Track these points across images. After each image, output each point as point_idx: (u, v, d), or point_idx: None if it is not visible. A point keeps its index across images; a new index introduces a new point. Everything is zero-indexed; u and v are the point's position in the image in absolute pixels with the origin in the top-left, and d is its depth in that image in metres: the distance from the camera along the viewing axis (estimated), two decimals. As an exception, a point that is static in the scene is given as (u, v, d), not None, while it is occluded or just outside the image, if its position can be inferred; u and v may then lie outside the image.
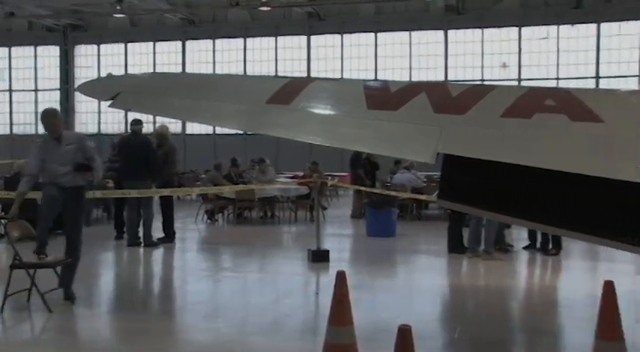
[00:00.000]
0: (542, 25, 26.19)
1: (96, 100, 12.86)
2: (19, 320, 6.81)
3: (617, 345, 4.34)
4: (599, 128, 4.02)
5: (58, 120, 7.31)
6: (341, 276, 4.61)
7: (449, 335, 6.41)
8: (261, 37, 29.01)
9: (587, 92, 4.96)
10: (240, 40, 29.26)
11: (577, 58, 26.14)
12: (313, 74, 27.71)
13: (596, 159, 3.89)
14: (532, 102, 4.30)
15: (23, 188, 7.06)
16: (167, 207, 12.13)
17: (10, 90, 31.81)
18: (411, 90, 4.69)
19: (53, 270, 7.10)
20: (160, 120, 15.08)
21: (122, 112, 26.23)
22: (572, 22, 25.81)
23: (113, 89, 5.50)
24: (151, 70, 28.34)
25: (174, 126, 23.31)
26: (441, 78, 26.74)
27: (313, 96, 4.81)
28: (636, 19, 25.22)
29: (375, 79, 22.51)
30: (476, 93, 4.60)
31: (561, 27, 26.06)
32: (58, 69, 31.41)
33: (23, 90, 31.73)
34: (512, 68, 26.82)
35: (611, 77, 25.60)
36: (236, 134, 26.24)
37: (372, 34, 27.91)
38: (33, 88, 31.59)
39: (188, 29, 29.48)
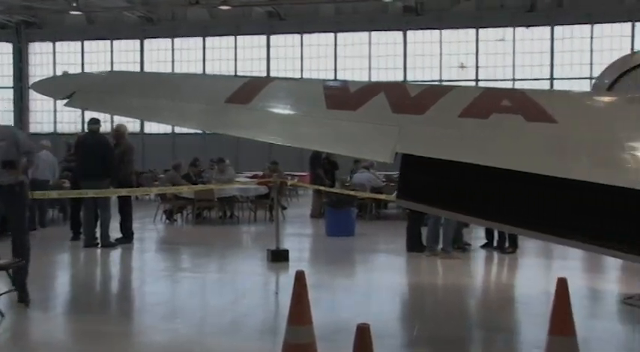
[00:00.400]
0: (499, 27, 26.63)
1: (51, 99, 12.63)
2: (-28, 324, 6.65)
3: (569, 340, 4.44)
4: (553, 128, 4.11)
5: None
6: (300, 276, 4.61)
7: (408, 334, 6.47)
8: (221, 36, 28.85)
9: (541, 93, 5.05)
10: (200, 39, 29.05)
11: (532, 59, 26.65)
12: (273, 74, 27.69)
13: (550, 158, 3.97)
14: (489, 103, 4.36)
15: None
16: (125, 207, 11.98)
17: (-38, 88, 31.10)
18: (370, 90, 4.72)
19: (6, 273, 6.94)
20: (117, 119, 14.89)
21: (79, 111, 25.79)
22: (527, 25, 26.31)
23: (69, 88, 5.39)
24: (109, 69, 27.97)
25: (132, 125, 23.07)
26: (400, 78, 26.97)
27: (272, 95, 4.80)
28: (587, 23, 25.84)
29: (335, 79, 22.57)
30: (434, 93, 4.65)
31: (517, 29, 26.54)
32: (11, 66, 30.76)
33: (-24, 88, 31.06)
34: (470, 69, 27.20)
35: (564, 79, 26.15)
36: (195, 134, 26.05)
37: (332, 34, 28.00)
38: (-14, 85, 30.94)
39: (146, 27, 29.14)
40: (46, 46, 30.59)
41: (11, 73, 30.76)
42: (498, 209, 4.20)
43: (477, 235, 11.82)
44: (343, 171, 17.54)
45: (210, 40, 29.07)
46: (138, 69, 29.13)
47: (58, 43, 30.36)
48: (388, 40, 27.72)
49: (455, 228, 10.54)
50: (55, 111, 29.88)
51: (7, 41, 30.50)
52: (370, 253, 11.42)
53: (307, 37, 28.25)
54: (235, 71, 28.24)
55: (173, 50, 29.37)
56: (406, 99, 4.53)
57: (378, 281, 9.12)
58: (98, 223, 11.46)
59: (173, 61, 29.31)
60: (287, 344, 4.57)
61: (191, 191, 14.32)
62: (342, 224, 12.85)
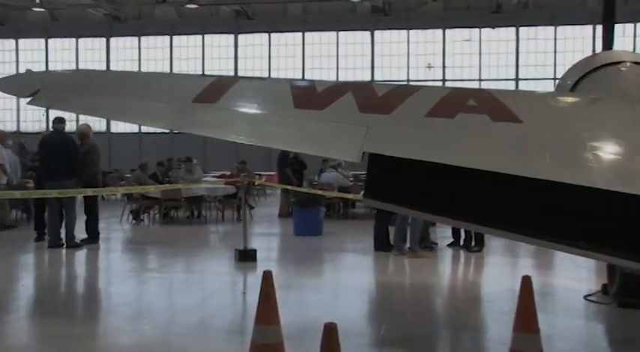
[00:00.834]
0: (465, 27, 26.91)
1: (14, 97, 12.42)
2: None
3: (533, 337, 4.51)
4: (519, 128, 4.17)
5: None
6: (268, 276, 4.60)
7: (375, 333, 6.49)
8: (188, 35, 28.69)
9: (506, 93, 5.11)
10: (167, 38, 28.83)
11: (498, 60, 27.00)
12: (241, 73, 27.62)
13: (515, 158, 4.02)
14: (455, 103, 4.41)
15: None
16: (91, 207, 11.83)
17: None
18: (337, 89, 4.74)
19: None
20: (83, 118, 14.70)
21: (43, 110, 25.37)
22: (493, 26, 26.65)
23: (33, 86, 5.32)
24: (74, 67, 27.60)
25: (98, 124, 22.79)
26: (368, 78, 27.10)
27: (240, 95, 4.79)
28: (551, 25, 26.26)
29: (302, 79, 22.58)
30: (401, 93, 4.68)
31: (483, 30, 26.84)
32: (-27, 64, 30.21)
33: None
34: (437, 69, 27.44)
35: (529, 79, 26.54)
36: (162, 133, 25.85)
37: (300, 34, 28.02)
38: (-54, 83, 30.23)
39: (113, 26, 28.82)
40: (8, 44, 30.06)
41: (-27, 70, 30.19)
42: (465, 208, 4.24)
43: (443, 234, 11.92)
44: (312, 171, 17.56)
45: (178, 39, 28.89)
46: (104, 67, 28.82)
47: (20, 41, 29.85)
48: (356, 40, 27.84)
49: (422, 227, 10.61)
50: (18, 109, 29.38)
51: (-32, 38, 29.96)
52: (338, 252, 11.44)
53: (275, 37, 28.23)
54: (203, 70, 28.11)
55: (140, 49, 29.11)
56: (373, 98, 4.56)
57: (346, 280, 9.14)
58: (63, 223, 11.31)
59: (140, 60, 29.04)
60: (255, 344, 4.56)
61: (158, 190, 14.20)
62: (310, 223, 12.87)
